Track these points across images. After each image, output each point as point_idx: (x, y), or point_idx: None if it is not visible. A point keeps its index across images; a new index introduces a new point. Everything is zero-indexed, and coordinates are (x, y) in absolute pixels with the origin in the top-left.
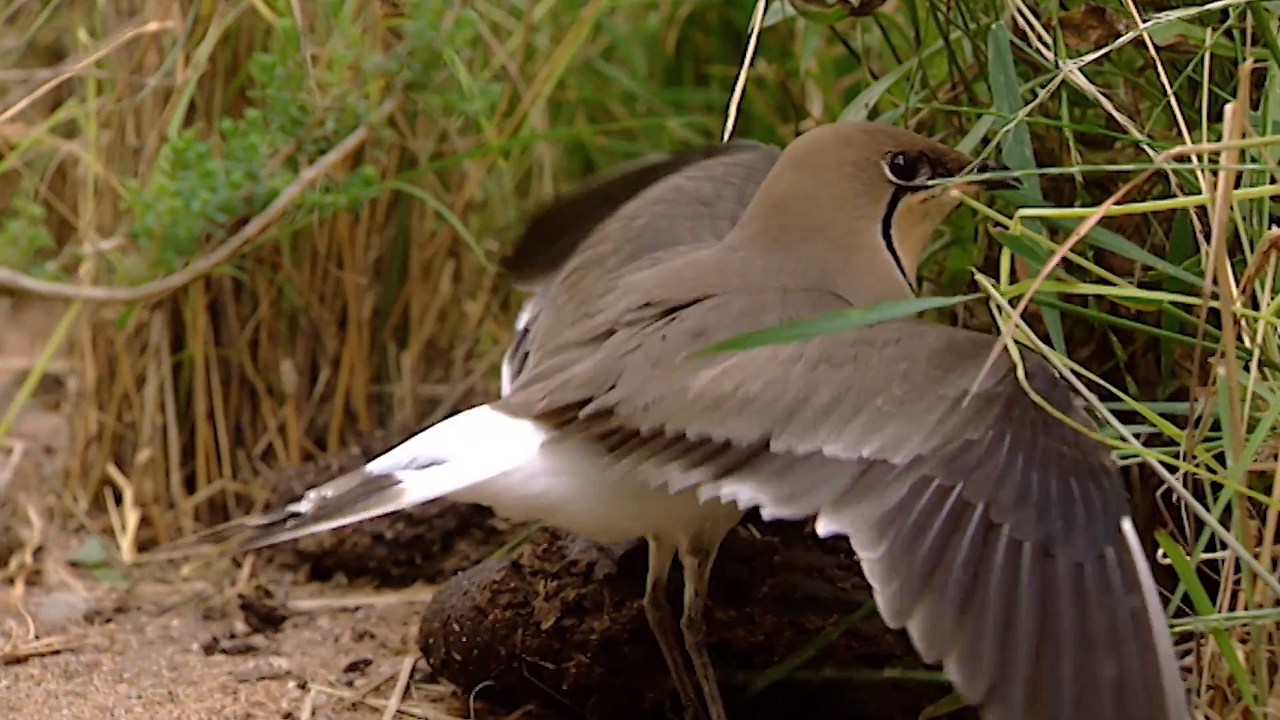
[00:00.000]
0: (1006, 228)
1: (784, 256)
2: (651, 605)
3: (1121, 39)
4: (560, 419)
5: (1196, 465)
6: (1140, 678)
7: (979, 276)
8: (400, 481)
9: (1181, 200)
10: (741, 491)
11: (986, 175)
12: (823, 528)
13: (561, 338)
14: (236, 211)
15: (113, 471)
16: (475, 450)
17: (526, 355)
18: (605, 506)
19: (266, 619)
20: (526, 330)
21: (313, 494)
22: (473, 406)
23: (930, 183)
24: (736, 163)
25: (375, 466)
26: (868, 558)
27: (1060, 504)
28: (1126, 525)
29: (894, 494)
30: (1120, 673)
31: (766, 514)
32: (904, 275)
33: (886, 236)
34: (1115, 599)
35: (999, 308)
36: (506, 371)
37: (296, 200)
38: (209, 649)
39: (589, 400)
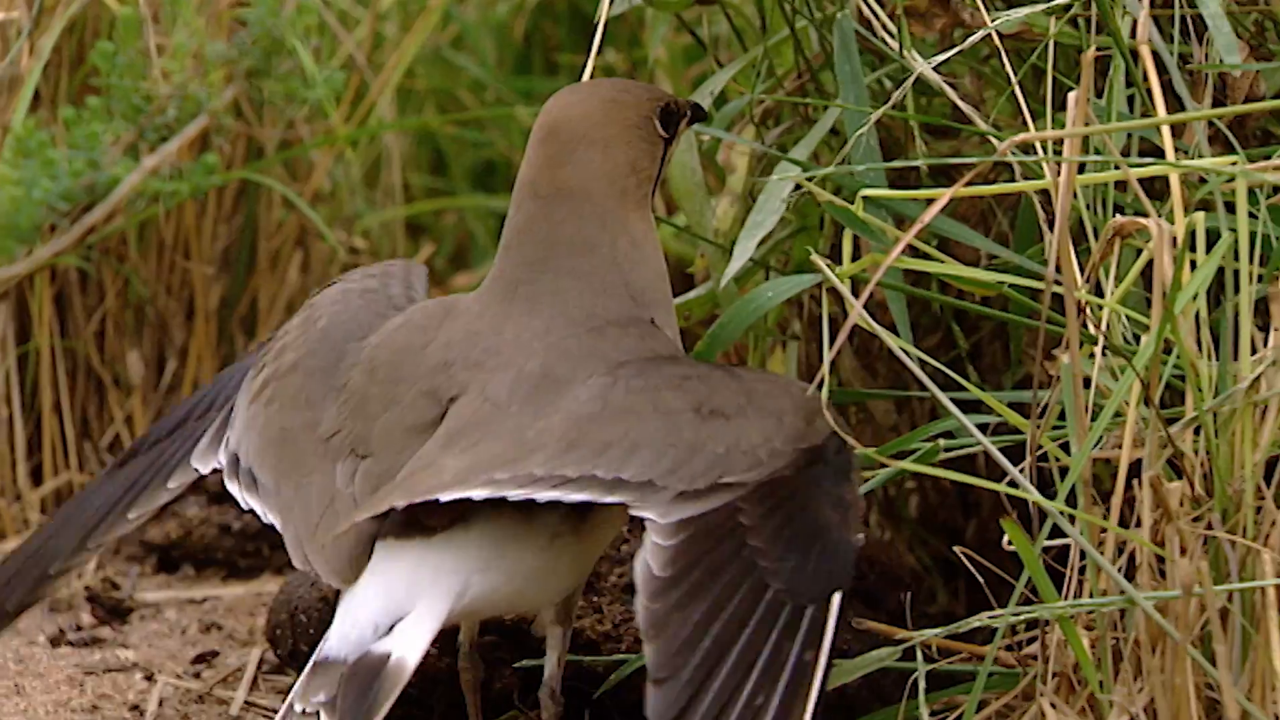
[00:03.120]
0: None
1: (582, 272)
2: (468, 664)
3: (971, 38)
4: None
5: (1041, 454)
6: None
7: (815, 258)
8: (389, 654)
9: (1025, 184)
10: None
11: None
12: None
13: (361, 434)
14: (79, 200)
15: None
16: (421, 587)
17: (251, 472)
18: (524, 578)
19: (113, 611)
20: (236, 456)
21: (308, 704)
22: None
23: (682, 131)
24: (385, 265)
25: (344, 651)
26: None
27: (804, 559)
28: (836, 597)
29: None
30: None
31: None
32: None
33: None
34: (798, 646)
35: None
36: (239, 494)
37: (139, 188)
38: (55, 641)
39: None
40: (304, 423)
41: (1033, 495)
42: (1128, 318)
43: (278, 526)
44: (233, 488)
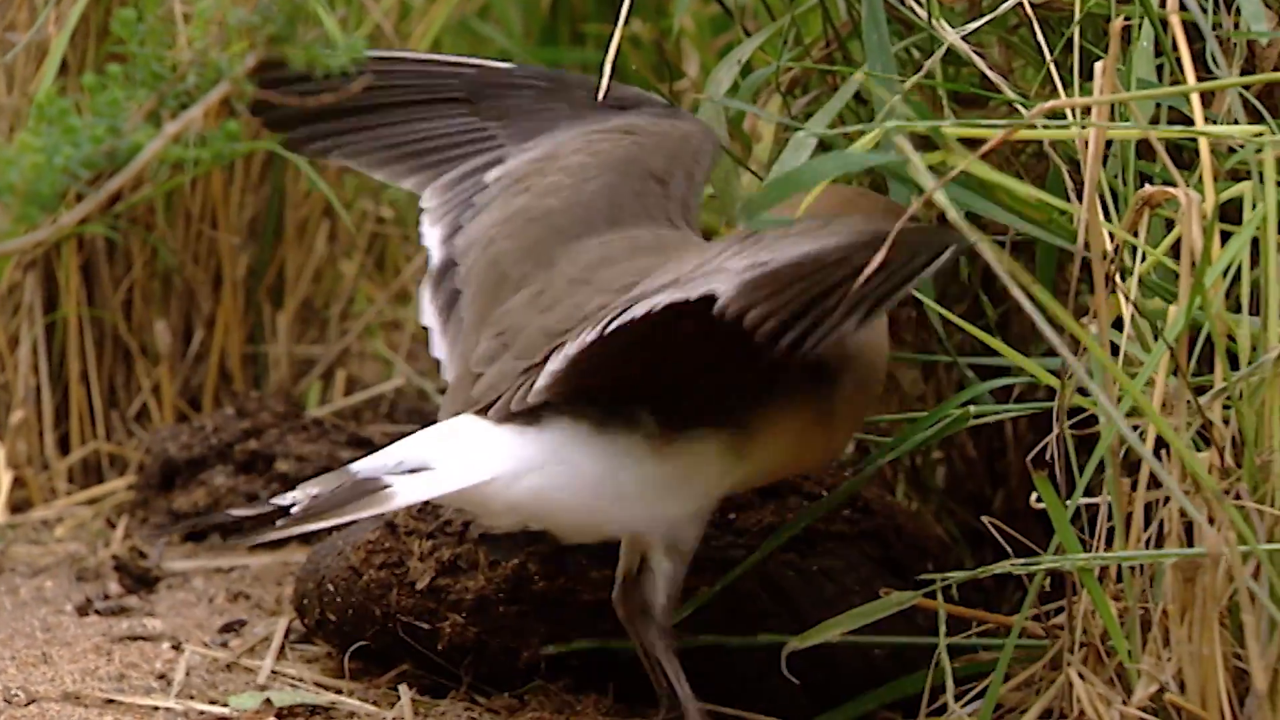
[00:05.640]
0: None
1: None
2: (621, 598)
3: (1001, 7)
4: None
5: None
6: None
7: (900, 140)
8: (389, 486)
9: (1057, 133)
10: (657, 296)
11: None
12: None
13: (518, 323)
14: (100, 167)
15: None
16: (461, 456)
17: (458, 294)
18: (593, 493)
19: (140, 580)
20: (453, 263)
21: (299, 492)
22: (344, 367)
23: None
24: (685, 136)
25: (361, 468)
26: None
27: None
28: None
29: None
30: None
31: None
32: None
33: None
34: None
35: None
36: (429, 304)
37: (161, 155)
38: (83, 610)
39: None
40: (519, 278)
41: (1121, 423)
42: (1159, 287)
43: (442, 363)
44: (426, 295)
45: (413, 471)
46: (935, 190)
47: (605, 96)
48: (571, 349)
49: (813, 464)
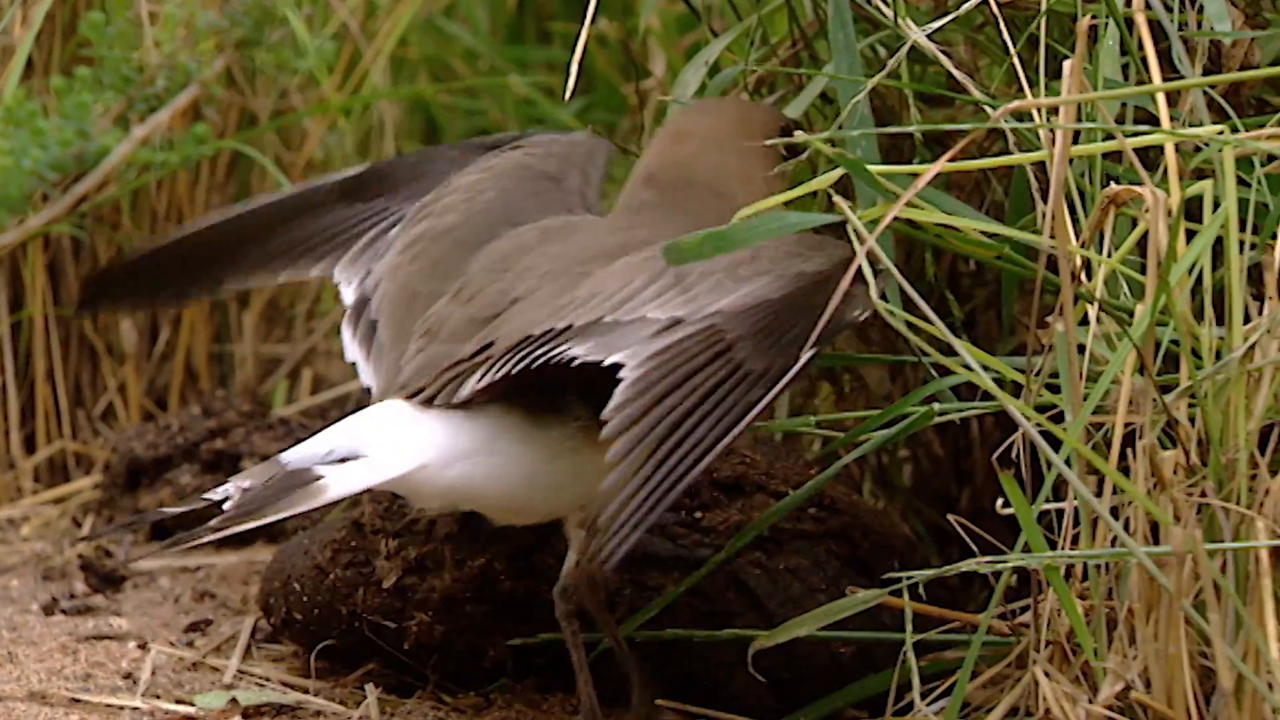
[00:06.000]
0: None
1: (684, 221)
2: (561, 598)
3: (965, 5)
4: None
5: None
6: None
7: (837, 198)
8: (321, 477)
9: (1020, 157)
10: (575, 348)
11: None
12: (610, 361)
13: (441, 316)
14: (68, 169)
15: None
16: (392, 443)
17: (374, 324)
18: (526, 482)
19: (106, 579)
20: (366, 299)
21: (231, 486)
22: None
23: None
24: (573, 142)
25: (291, 458)
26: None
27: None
28: (807, 353)
29: (677, 334)
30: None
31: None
32: None
33: None
34: (751, 387)
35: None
36: (350, 340)
37: (129, 158)
38: (48, 609)
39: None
40: (429, 293)
41: (1035, 435)
42: (1125, 284)
43: (371, 389)
44: (346, 333)
45: (343, 460)
46: (870, 244)
47: (491, 139)
48: (488, 378)
49: None
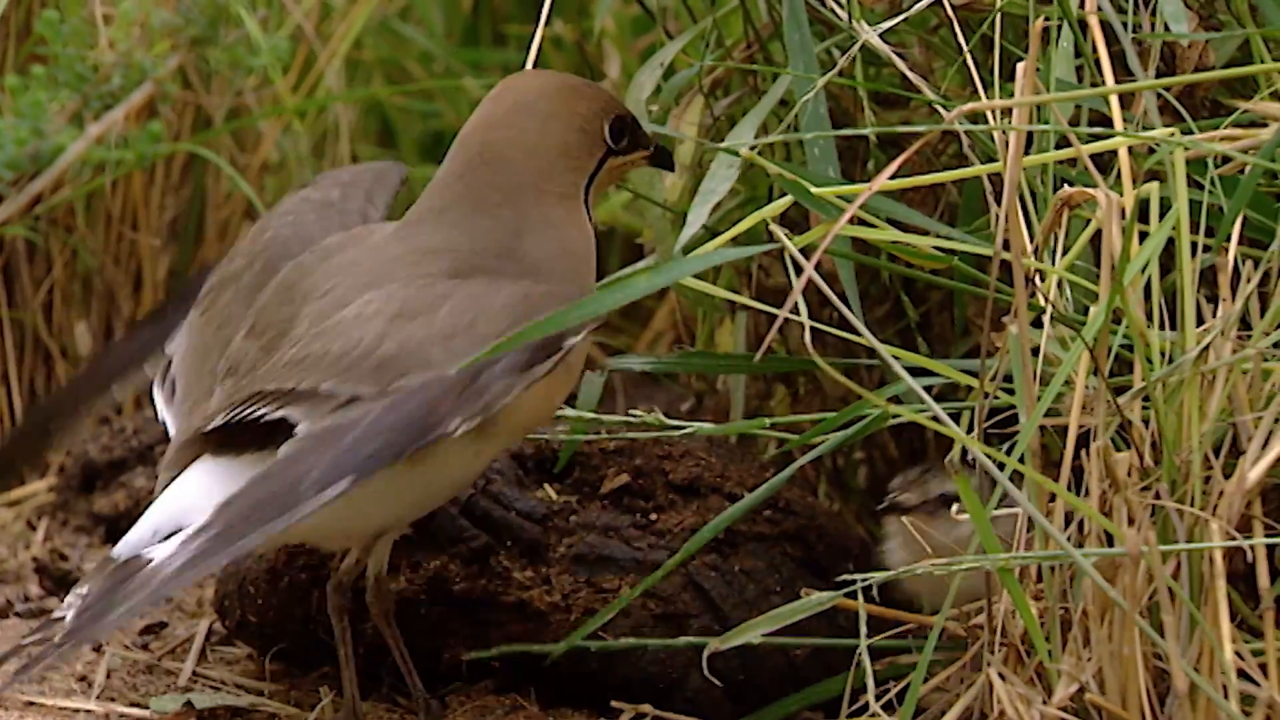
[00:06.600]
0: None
1: (475, 225)
2: (344, 589)
3: (918, 5)
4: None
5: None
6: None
7: (774, 226)
8: (151, 560)
9: (977, 170)
10: (294, 415)
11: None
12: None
13: (239, 354)
14: (23, 169)
15: None
16: (209, 504)
17: (174, 382)
18: (348, 515)
19: (61, 582)
20: (170, 361)
21: (73, 595)
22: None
23: (632, 155)
24: (360, 169)
25: (121, 550)
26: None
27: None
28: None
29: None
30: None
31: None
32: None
33: (586, 191)
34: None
35: (793, 259)
36: (160, 400)
37: (84, 157)
38: (3, 613)
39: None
40: (219, 341)
41: (979, 450)
42: (1077, 288)
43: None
44: (156, 395)
45: (168, 537)
46: (808, 273)
47: None
48: (214, 424)
49: (553, 412)
